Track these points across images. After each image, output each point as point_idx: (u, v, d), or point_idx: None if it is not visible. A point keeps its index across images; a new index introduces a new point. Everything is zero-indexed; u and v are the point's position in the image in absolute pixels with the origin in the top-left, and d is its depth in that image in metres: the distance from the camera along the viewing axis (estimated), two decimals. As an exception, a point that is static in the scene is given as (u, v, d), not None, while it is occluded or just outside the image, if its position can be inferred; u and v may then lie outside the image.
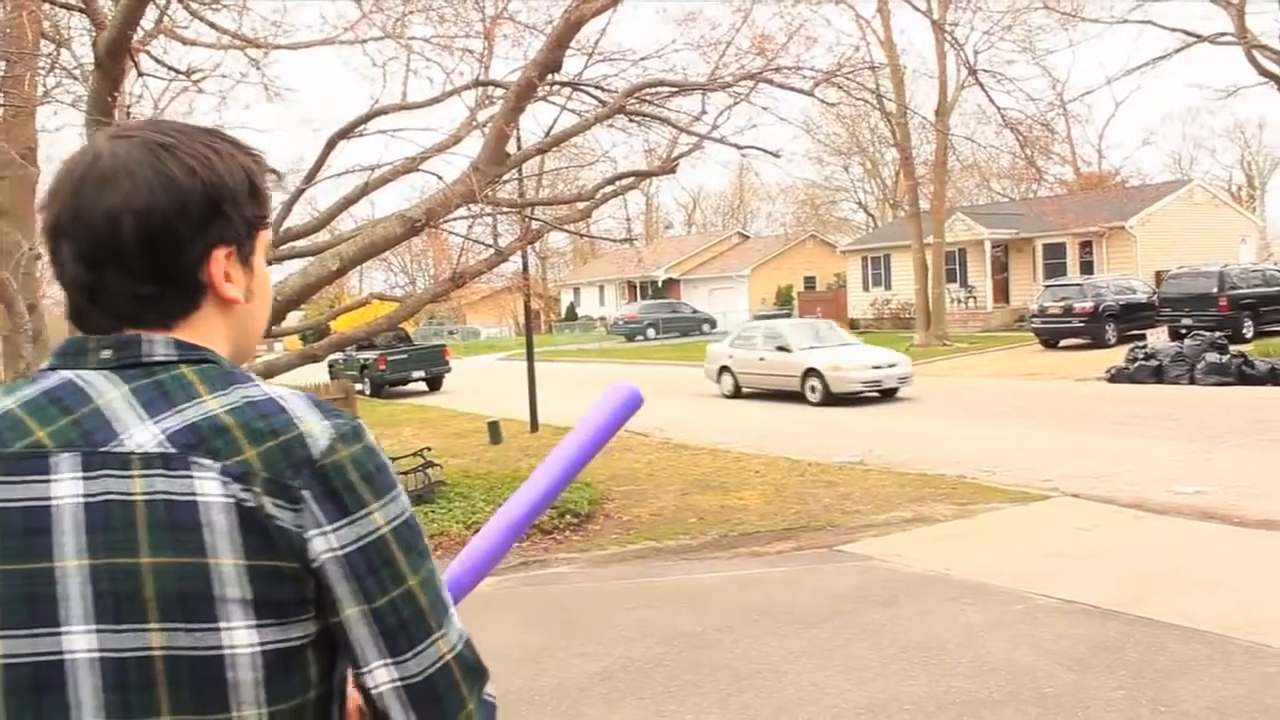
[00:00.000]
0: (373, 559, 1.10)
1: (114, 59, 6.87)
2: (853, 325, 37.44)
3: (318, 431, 1.10)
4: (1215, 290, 25.39)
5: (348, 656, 1.12)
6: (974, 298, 39.23)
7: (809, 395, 19.99)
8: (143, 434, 1.08)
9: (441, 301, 12.86)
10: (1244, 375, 18.71)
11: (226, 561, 1.05)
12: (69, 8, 8.66)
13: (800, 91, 11.09)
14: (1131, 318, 27.63)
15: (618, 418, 1.62)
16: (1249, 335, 24.75)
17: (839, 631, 6.36)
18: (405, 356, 28.94)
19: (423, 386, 29.29)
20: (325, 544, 1.08)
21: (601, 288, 63.64)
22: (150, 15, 7.93)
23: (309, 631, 1.09)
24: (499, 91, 9.87)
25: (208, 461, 1.06)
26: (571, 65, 9.69)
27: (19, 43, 8.93)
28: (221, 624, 1.05)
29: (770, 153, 11.85)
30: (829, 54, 22.86)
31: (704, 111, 10.82)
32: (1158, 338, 24.63)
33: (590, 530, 9.94)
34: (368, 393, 27.81)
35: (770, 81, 10.67)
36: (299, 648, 1.09)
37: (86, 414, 1.09)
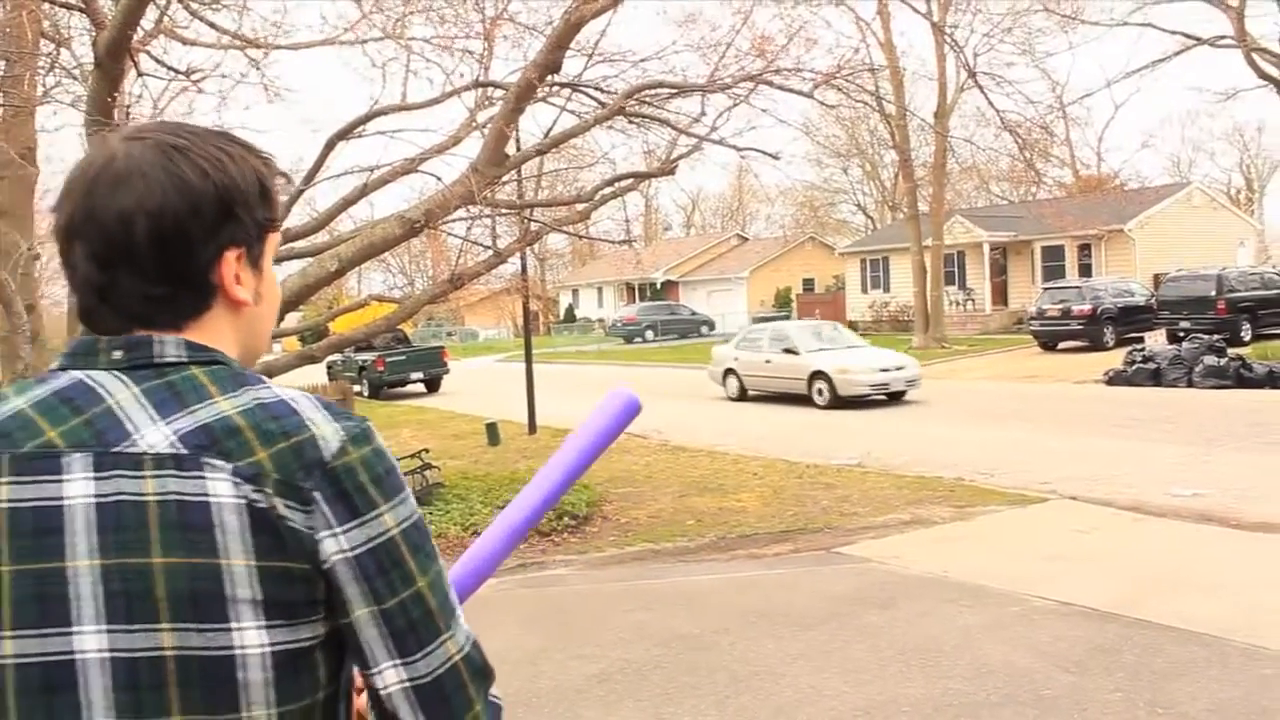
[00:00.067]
0: (383, 560, 1.10)
1: (114, 59, 6.87)
2: (851, 327, 37.40)
3: (329, 433, 1.11)
4: (1213, 293, 25.41)
5: (356, 657, 1.13)
6: (972, 300, 39.24)
7: (816, 398, 19.79)
8: (154, 435, 1.08)
9: (440, 303, 12.86)
10: (1242, 378, 18.72)
11: (238, 562, 1.05)
12: (69, 7, 8.66)
13: (800, 93, 11.10)
14: (1130, 320, 27.65)
15: (617, 424, 1.62)
16: (1247, 338, 24.78)
17: (836, 633, 6.36)
18: (404, 358, 28.92)
19: (421, 388, 29.27)
20: (336, 545, 1.08)
21: (600, 289, 63.64)
22: (150, 15, 7.93)
23: (318, 633, 1.10)
24: (498, 93, 9.87)
25: (220, 462, 1.07)
26: (571, 66, 9.70)
27: (19, 42, 8.94)
28: (233, 624, 1.05)
29: (769, 154, 11.87)
30: (829, 56, 22.94)
31: (703, 113, 10.83)
32: (1156, 340, 24.64)
33: (588, 532, 9.94)
34: (366, 394, 27.80)
35: (770, 83, 10.67)
36: (308, 649, 1.09)
37: (98, 414, 1.10)
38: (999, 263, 39.13)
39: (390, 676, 1.11)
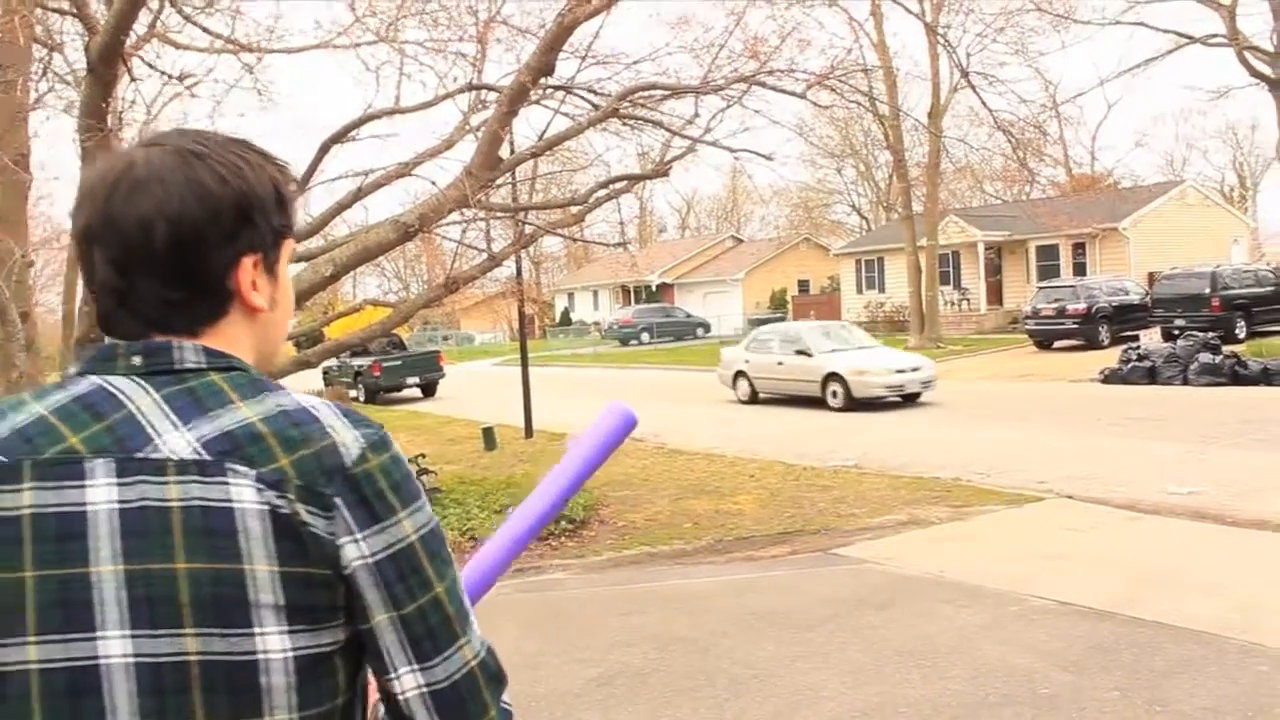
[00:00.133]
0: (402, 566, 1.11)
1: (107, 64, 6.86)
2: (847, 328, 37.43)
3: (349, 440, 1.12)
4: (1208, 291, 25.46)
5: (374, 662, 1.14)
6: (967, 300, 39.28)
7: (830, 400, 19.42)
8: (177, 440, 1.09)
9: (435, 307, 12.84)
10: (1237, 375, 18.75)
11: (261, 567, 1.06)
12: (61, 12, 8.65)
13: (793, 94, 11.09)
14: (1125, 319, 27.71)
15: (614, 438, 1.63)
16: (1241, 335, 24.83)
17: (834, 635, 6.36)
18: (399, 363, 28.90)
19: (417, 393, 29.25)
20: (356, 551, 1.09)
21: (595, 292, 63.64)
22: (143, 20, 7.92)
23: (339, 638, 1.11)
24: (492, 96, 9.86)
25: (243, 468, 1.07)
26: (565, 69, 9.70)
27: (11, 47, 8.92)
28: (256, 629, 1.06)
29: (763, 156, 11.87)
30: (822, 57, 22.86)
31: (697, 115, 10.82)
32: (1151, 339, 24.71)
33: (585, 536, 9.93)
34: (362, 399, 27.78)
35: (763, 84, 10.67)
36: (329, 654, 1.10)
37: (119, 420, 1.10)
38: (994, 262, 39.18)
39: (408, 681, 1.12)
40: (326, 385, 27.90)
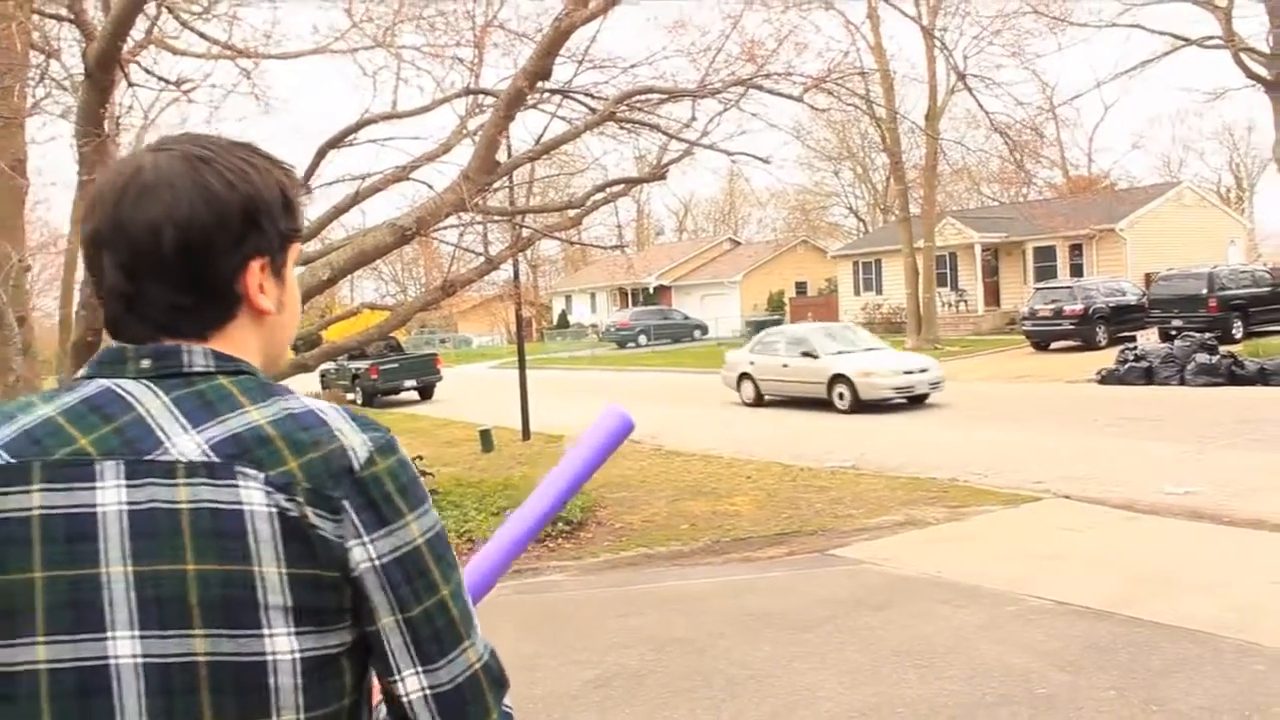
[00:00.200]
0: (409, 569, 1.12)
1: (104, 70, 6.87)
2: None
3: (357, 444, 1.13)
4: (1205, 291, 25.49)
5: (379, 664, 1.14)
6: (965, 301, 39.32)
7: (837, 402, 19.25)
8: (186, 443, 1.10)
9: (433, 310, 12.86)
10: (1234, 376, 18.78)
11: (270, 569, 1.07)
12: (58, 19, 8.66)
13: (790, 97, 11.11)
14: (1122, 319, 27.74)
15: (611, 441, 1.65)
16: (1238, 336, 24.87)
17: (832, 635, 6.37)
18: (397, 365, 28.90)
19: (414, 395, 29.25)
20: (364, 554, 1.10)
21: (593, 295, 63.64)
22: (140, 26, 7.93)
23: (345, 640, 1.12)
24: (489, 100, 9.88)
25: (252, 471, 1.08)
26: (562, 73, 9.70)
27: (8, 54, 8.93)
28: (264, 631, 1.07)
29: (760, 159, 11.87)
30: (819, 60, 22.99)
31: (694, 118, 10.84)
32: (1148, 339, 24.74)
33: (582, 538, 9.94)
34: (359, 402, 27.78)
35: (760, 88, 10.68)
36: (336, 655, 1.11)
37: (128, 422, 1.11)
38: (991, 264, 39.22)
39: (412, 684, 1.13)
40: (324, 388, 27.93)
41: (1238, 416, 14.72)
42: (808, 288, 54.26)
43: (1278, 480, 10.15)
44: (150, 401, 1.12)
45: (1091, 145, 59.17)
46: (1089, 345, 26.97)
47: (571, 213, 11.82)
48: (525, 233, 11.87)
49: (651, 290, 58.08)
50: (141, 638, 1.06)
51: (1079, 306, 27.51)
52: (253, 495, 1.07)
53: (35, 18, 8.65)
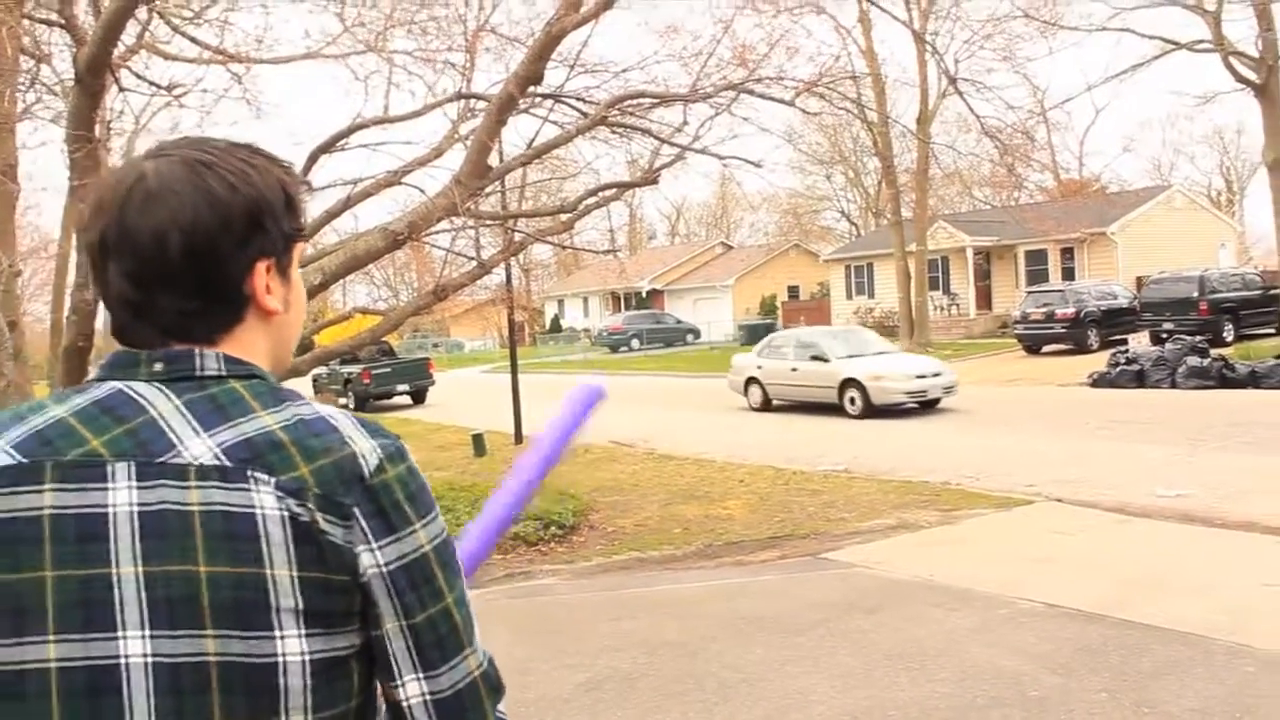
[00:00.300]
0: (415, 576, 1.13)
1: (94, 75, 6.85)
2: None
3: (367, 450, 1.14)
4: (1196, 295, 25.58)
5: (381, 669, 1.15)
6: (957, 305, 39.40)
7: (848, 407, 18.90)
8: (198, 446, 1.10)
9: (425, 314, 12.86)
10: (1224, 378, 18.84)
11: (282, 572, 1.07)
12: (49, 23, 8.64)
13: (782, 102, 11.13)
14: (1113, 323, 27.81)
15: (584, 409, 1.69)
16: (1229, 339, 24.96)
17: (824, 639, 6.37)
18: (389, 370, 28.88)
19: (407, 400, 29.23)
20: (372, 560, 1.11)
21: (585, 299, 63.64)
22: (131, 30, 7.92)
23: (353, 643, 1.12)
24: (481, 104, 9.88)
25: (264, 476, 1.09)
26: (553, 77, 9.70)
27: (-2, 59, 8.92)
28: (275, 632, 1.07)
29: (752, 163, 11.87)
30: (810, 64, 22.89)
31: (686, 122, 10.84)
32: (1139, 342, 24.81)
33: (575, 542, 9.94)
34: (352, 407, 27.73)
35: (752, 92, 10.70)
36: (344, 657, 1.12)
37: (140, 424, 1.11)
38: (983, 267, 39.30)
39: (412, 689, 1.14)
40: (316, 393, 27.92)
41: (1229, 419, 14.77)
42: (800, 292, 54.32)
43: (1269, 483, 10.19)
44: (162, 404, 1.13)
45: (1082, 149, 59.30)
46: (1081, 348, 27.03)
47: (564, 217, 11.83)
48: (517, 237, 11.86)
49: (644, 294, 58.10)
50: (152, 637, 1.06)
51: (1070, 310, 27.58)
52: (265, 499, 1.08)
53: (25, 22, 8.63)
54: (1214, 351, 20.28)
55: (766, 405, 21.18)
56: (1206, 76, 67.10)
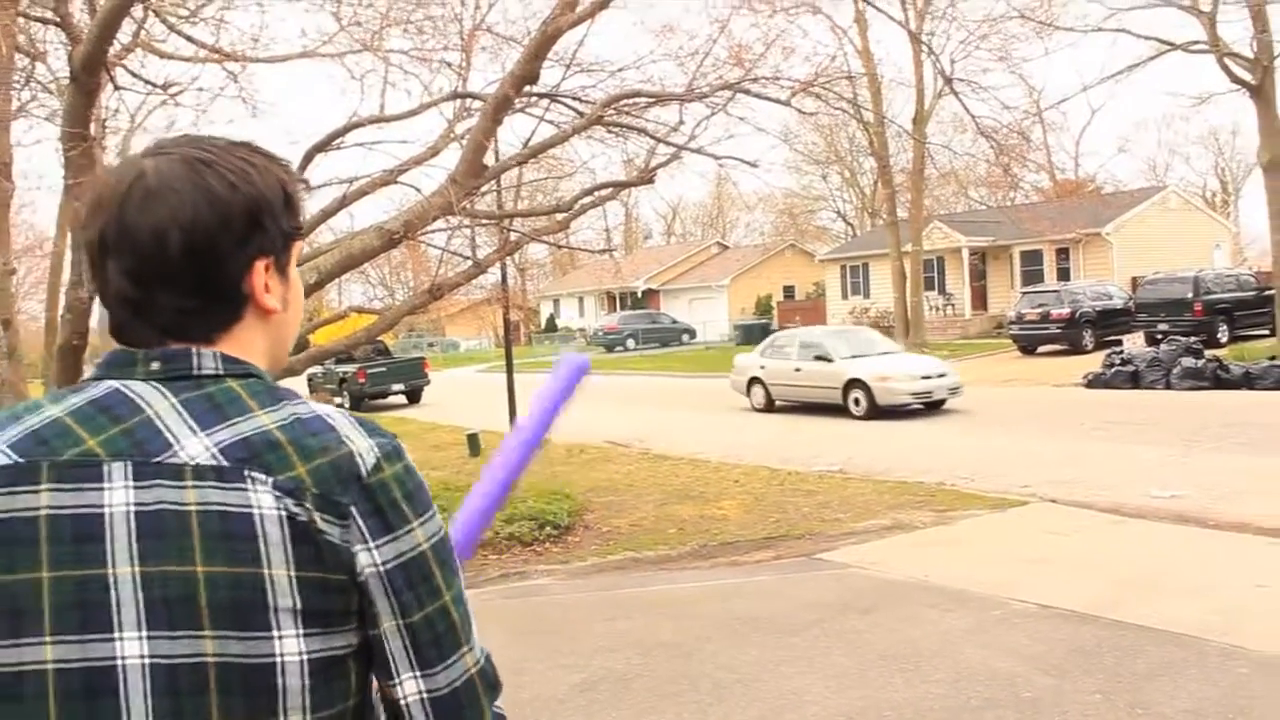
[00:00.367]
0: (412, 575, 1.13)
1: (90, 73, 6.85)
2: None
3: (364, 450, 1.13)
4: (1190, 295, 25.63)
5: (379, 668, 1.15)
6: (952, 305, 39.44)
7: (852, 408, 18.74)
8: (195, 446, 1.10)
9: (420, 314, 12.85)
10: (1219, 379, 18.88)
11: (280, 572, 1.07)
12: (44, 21, 8.63)
13: (778, 102, 11.12)
14: (1108, 323, 27.86)
15: (570, 382, 1.72)
16: (1224, 340, 25.01)
17: (818, 639, 6.38)
18: (384, 369, 28.85)
19: (402, 399, 29.21)
20: (369, 559, 1.11)
21: (581, 299, 63.66)
22: (127, 29, 7.91)
23: (351, 642, 1.12)
24: (477, 104, 9.87)
25: (261, 475, 1.09)
26: (549, 77, 9.70)
27: (-7, 57, 8.90)
28: (273, 633, 1.07)
29: (748, 163, 11.86)
30: (806, 64, 22.80)
31: (682, 122, 10.83)
32: (1134, 343, 24.86)
33: (570, 542, 9.93)
34: (347, 406, 27.67)
35: (748, 92, 10.69)
36: (342, 657, 1.12)
37: (137, 424, 1.11)
38: (978, 268, 39.35)
39: (409, 687, 1.13)
40: (311, 392, 27.87)
41: (1223, 420, 14.79)
42: (795, 291, 54.37)
43: (1263, 483, 10.21)
44: (159, 403, 1.12)
45: (1078, 149, 59.19)
46: (1075, 349, 27.07)
47: (559, 216, 11.82)
48: (513, 236, 11.86)
49: (639, 294, 58.14)
50: (149, 638, 1.06)
51: (1065, 310, 27.62)
52: (262, 499, 1.08)
53: (20, 20, 8.62)
54: (1208, 352, 20.31)
55: (769, 406, 21.02)
56: (1202, 77, 67.20)
